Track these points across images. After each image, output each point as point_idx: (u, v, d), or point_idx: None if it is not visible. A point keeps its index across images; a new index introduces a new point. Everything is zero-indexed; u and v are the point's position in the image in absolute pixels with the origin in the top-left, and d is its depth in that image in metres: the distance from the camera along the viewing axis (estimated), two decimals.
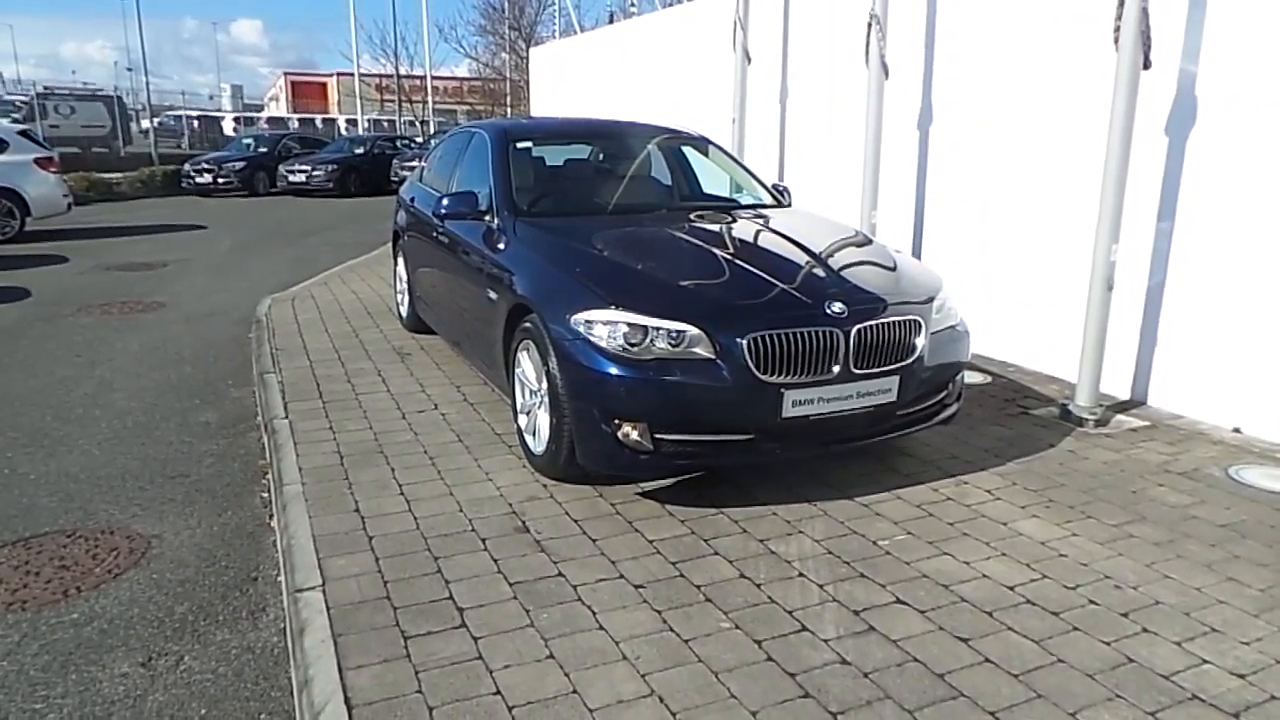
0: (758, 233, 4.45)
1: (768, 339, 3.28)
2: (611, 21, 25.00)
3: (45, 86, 29.17)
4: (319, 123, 43.21)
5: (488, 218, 4.55)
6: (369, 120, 38.59)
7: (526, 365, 3.85)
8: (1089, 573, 3.03)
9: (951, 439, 4.25)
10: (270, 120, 45.48)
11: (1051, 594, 2.88)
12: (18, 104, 28.86)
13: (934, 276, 4.07)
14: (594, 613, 2.74)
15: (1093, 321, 4.47)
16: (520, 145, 5.12)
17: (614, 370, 3.29)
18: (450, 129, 9.99)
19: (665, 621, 2.69)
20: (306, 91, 61.47)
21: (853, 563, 3.08)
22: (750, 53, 7.84)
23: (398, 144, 23.85)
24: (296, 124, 41.75)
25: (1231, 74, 4.34)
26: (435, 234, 5.31)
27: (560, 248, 4.07)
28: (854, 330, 3.39)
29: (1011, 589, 2.91)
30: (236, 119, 45.60)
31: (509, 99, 37.36)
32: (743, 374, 3.26)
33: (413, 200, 6.20)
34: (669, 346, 3.29)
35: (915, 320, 3.59)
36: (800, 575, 2.99)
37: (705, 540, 3.23)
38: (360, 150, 22.08)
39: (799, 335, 3.32)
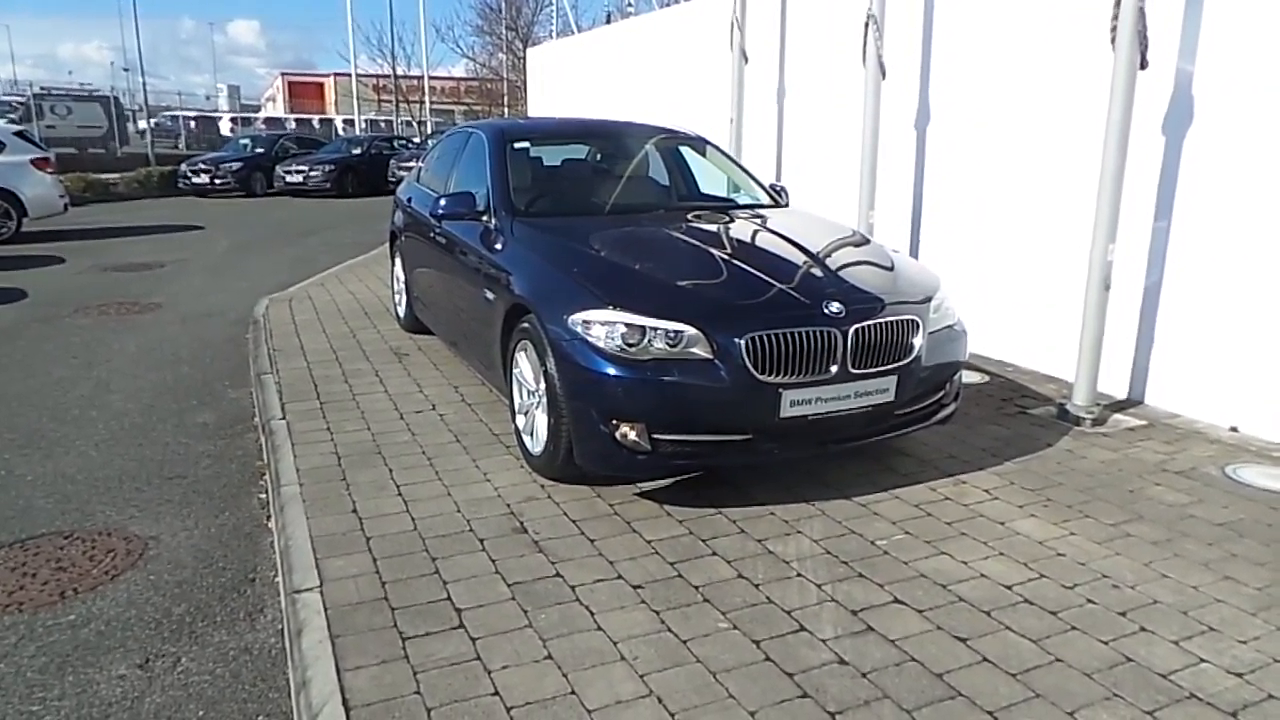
0: (755, 233, 4.45)
1: (766, 339, 3.28)
2: (609, 22, 25.01)
3: (42, 87, 29.13)
4: (316, 123, 43.16)
5: (485, 218, 4.54)
6: (366, 121, 38.55)
7: (524, 365, 3.85)
8: (1087, 572, 3.03)
9: (949, 439, 4.26)
10: (267, 121, 45.46)
11: (1049, 593, 2.88)
12: (14, 104, 28.79)
13: (931, 276, 4.07)
14: (592, 613, 2.74)
15: (1090, 321, 4.48)
16: (518, 145, 5.12)
17: (612, 370, 3.29)
18: (447, 129, 9.98)
19: (663, 622, 2.69)
20: (304, 92, 61.43)
21: (851, 562, 3.08)
22: (747, 53, 7.85)
23: (395, 144, 23.85)
24: (293, 124, 41.71)
25: (1229, 74, 4.34)
26: (433, 234, 5.31)
27: (558, 248, 4.06)
28: (852, 330, 3.39)
29: (1009, 588, 2.91)
30: (233, 119, 45.55)
31: (506, 99, 37.37)
32: (741, 374, 3.26)
33: (410, 201, 6.20)
34: (667, 347, 3.29)
35: (913, 320, 3.59)
36: (798, 575, 2.99)
37: (703, 540, 3.23)
38: (357, 151, 22.06)
39: (797, 335, 3.32)
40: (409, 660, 2.49)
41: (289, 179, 20.28)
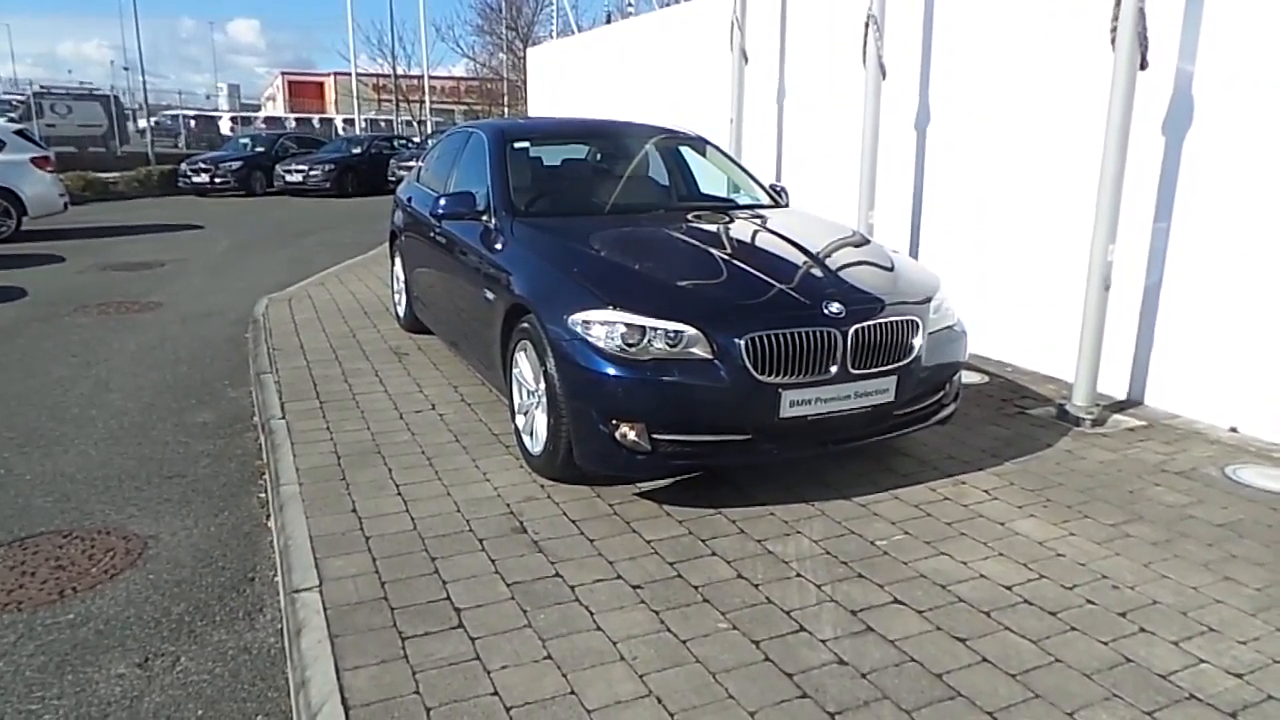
0: (755, 233, 4.45)
1: (765, 339, 3.28)
2: (609, 21, 25.01)
3: (42, 86, 29.14)
4: (316, 122, 43.19)
5: (485, 218, 4.54)
6: (366, 120, 38.56)
7: (524, 365, 3.85)
8: (1086, 572, 3.03)
9: (949, 439, 4.26)
10: (267, 120, 45.45)
11: (1049, 594, 2.88)
12: (14, 103, 28.80)
13: (931, 276, 4.07)
14: (592, 613, 2.74)
15: (1090, 321, 4.48)
16: (518, 145, 5.11)
17: (612, 370, 3.29)
18: (448, 129, 9.98)
19: (663, 622, 2.69)
20: (304, 91, 61.45)
21: (850, 563, 3.08)
22: (747, 53, 7.85)
23: (395, 144, 23.86)
24: (294, 124, 41.74)
25: (1228, 74, 4.34)
26: (433, 234, 5.31)
27: (558, 248, 4.06)
28: (851, 330, 3.39)
29: (1009, 589, 2.91)
30: (233, 119, 45.55)
31: (506, 99, 37.38)
32: (740, 374, 3.26)
33: (410, 200, 6.20)
34: (667, 347, 3.29)
35: (913, 320, 3.59)
36: (798, 575, 2.99)
37: (703, 540, 3.23)
38: (357, 150, 22.07)
39: (796, 335, 3.32)
40: (408, 660, 2.49)
41: (289, 178, 20.29)
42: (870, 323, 3.44)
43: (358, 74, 35.74)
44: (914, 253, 6.35)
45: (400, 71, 37.03)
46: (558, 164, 5.48)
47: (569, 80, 13.20)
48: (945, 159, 6.10)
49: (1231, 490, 3.74)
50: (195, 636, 2.86)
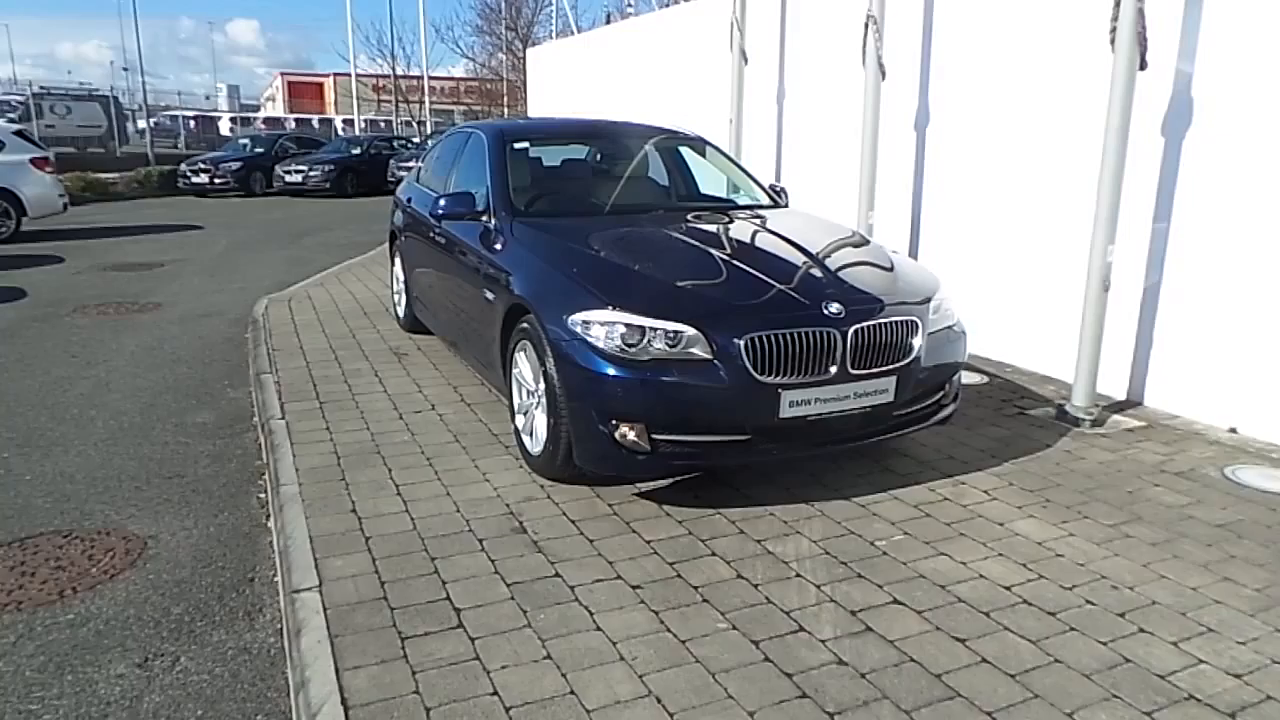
0: (755, 233, 4.45)
1: (765, 339, 3.29)
2: (608, 22, 25.01)
3: (41, 86, 29.13)
4: (316, 123, 43.17)
5: (485, 218, 4.54)
6: (366, 120, 38.56)
7: (524, 366, 3.85)
8: (1086, 573, 3.03)
9: (948, 439, 4.26)
10: (267, 120, 45.47)
11: (1048, 594, 2.89)
12: (13, 104, 28.78)
13: (931, 277, 4.08)
14: (591, 613, 2.74)
15: (1089, 322, 4.48)
16: (517, 146, 5.12)
17: (611, 371, 3.29)
18: (447, 129, 9.99)
19: (662, 622, 2.69)
20: (303, 92, 61.43)
21: (850, 563, 3.08)
22: (747, 53, 7.85)
23: (395, 144, 23.86)
24: (293, 124, 41.72)
25: (1228, 75, 4.35)
26: (432, 234, 5.31)
27: (557, 248, 4.06)
28: (851, 331, 3.39)
29: (1008, 589, 2.92)
30: (233, 119, 45.57)
31: (506, 99, 37.38)
32: (740, 374, 3.27)
33: (410, 201, 6.20)
34: (666, 347, 3.29)
35: (912, 321, 3.59)
36: (798, 576, 2.99)
37: (703, 541, 3.23)
38: (357, 151, 22.08)
39: (796, 336, 3.32)
40: (408, 660, 2.49)
41: (288, 179, 20.29)
42: (870, 323, 3.44)
43: (357, 74, 35.74)
44: (914, 253, 6.35)
45: (400, 72, 37.05)
46: (557, 164, 5.49)
47: (568, 81, 13.21)
48: (945, 159, 6.11)
49: (1231, 491, 3.75)
50: (195, 637, 2.86)
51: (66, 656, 2.75)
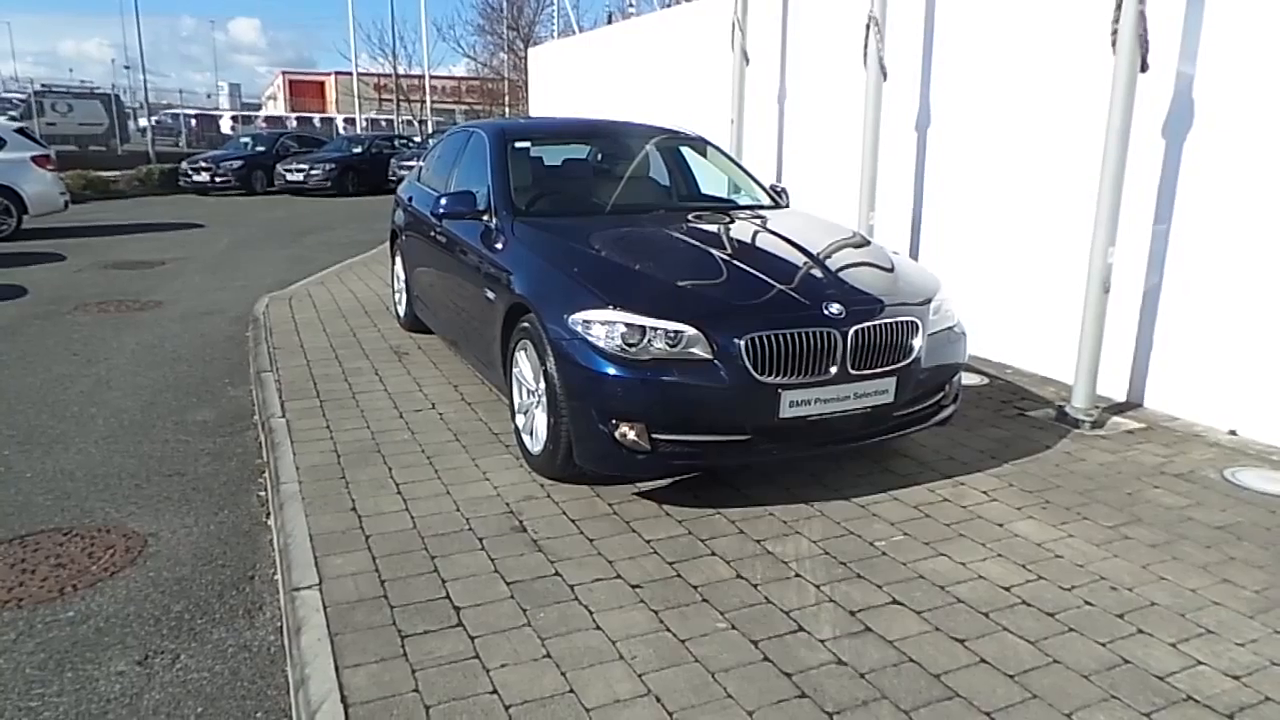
0: (755, 233, 4.45)
1: (765, 339, 3.29)
2: (610, 22, 25.03)
3: (43, 84, 29.21)
4: (317, 122, 43.19)
5: (486, 217, 4.55)
6: (367, 119, 38.57)
7: (524, 365, 3.85)
8: (1085, 574, 3.03)
9: (948, 440, 4.26)
10: (268, 119, 45.47)
11: (1047, 595, 2.89)
12: (15, 101, 28.81)
13: (932, 278, 4.08)
14: (591, 612, 2.74)
15: (1089, 323, 4.48)
16: (518, 145, 5.12)
17: (611, 370, 3.29)
18: (448, 128, 9.99)
19: (662, 621, 2.70)
20: (304, 90, 61.45)
21: (849, 563, 3.09)
22: (749, 53, 7.85)
23: (396, 143, 23.86)
24: (294, 123, 41.74)
25: (1228, 77, 4.35)
26: (433, 233, 5.31)
27: (558, 247, 4.07)
28: (851, 331, 3.39)
29: (1008, 590, 2.92)
30: (234, 118, 45.58)
31: (507, 99, 37.40)
32: (740, 374, 3.27)
33: (410, 200, 6.20)
34: (667, 347, 3.29)
35: (912, 321, 3.59)
36: (797, 576, 2.99)
37: (702, 540, 3.24)
38: (358, 149, 22.07)
39: (796, 336, 3.32)
40: (408, 658, 2.49)
41: (290, 177, 20.29)
42: (870, 324, 3.45)
43: (359, 73, 35.74)
44: (914, 254, 6.36)
45: (401, 71, 37.06)
46: (558, 164, 5.49)
47: (570, 80, 13.21)
48: (946, 160, 6.11)
49: (1230, 493, 3.75)
50: (195, 634, 2.86)
51: (67, 654, 2.75)
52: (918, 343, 3.59)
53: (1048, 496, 3.67)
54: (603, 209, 4.83)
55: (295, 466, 3.89)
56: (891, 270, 4.03)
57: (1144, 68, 4.21)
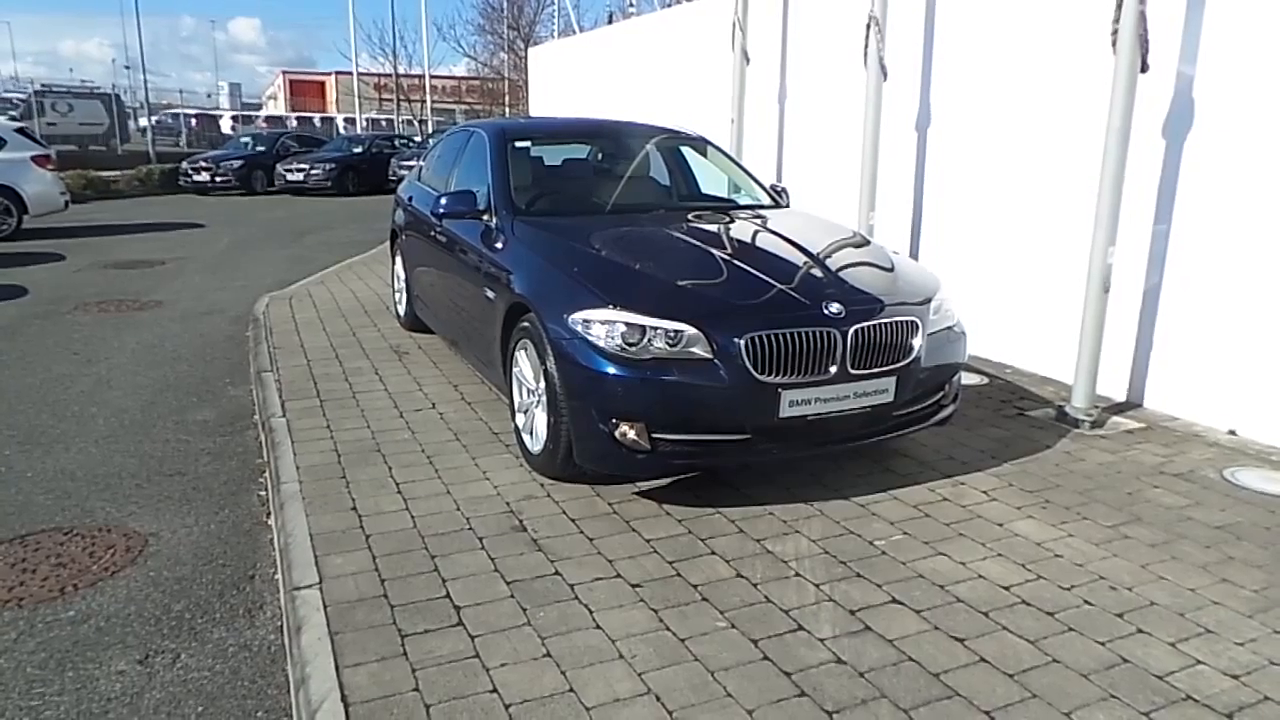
0: (756, 233, 4.45)
1: (765, 339, 3.29)
2: (610, 22, 25.03)
3: (43, 84, 29.24)
4: (317, 121, 43.20)
5: (486, 217, 4.55)
6: (367, 119, 38.57)
7: (524, 364, 3.86)
8: (1084, 573, 3.04)
9: (948, 440, 4.26)
10: (268, 119, 45.49)
11: (1047, 594, 2.89)
12: (15, 101, 28.83)
13: (932, 278, 4.08)
14: (591, 611, 2.75)
15: (1089, 323, 4.49)
16: (519, 144, 5.12)
17: (611, 370, 3.30)
18: (449, 128, 9.99)
19: (662, 620, 2.70)
20: (305, 90, 61.46)
21: (849, 563, 3.09)
22: (749, 53, 7.85)
23: (396, 143, 23.86)
24: (294, 123, 41.74)
25: (1229, 78, 4.35)
26: (433, 233, 5.32)
27: (558, 247, 4.07)
28: (851, 331, 3.39)
29: (1007, 589, 2.92)
30: (234, 117, 45.60)
31: (507, 98, 37.40)
32: (740, 374, 3.27)
33: (411, 199, 6.20)
34: (667, 346, 3.30)
35: (912, 321, 3.59)
36: (797, 575, 3.00)
37: (702, 540, 3.24)
38: (358, 149, 22.07)
39: (796, 335, 3.32)
40: (408, 657, 2.50)
41: (290, 177, 20.29)
42: (870, 323, 3.45)
43: (359, 73, 35.73)
44: (914, 253, 6.36)
45: (401, 71, 37.03)
46: (559, 163, 5.49)
47: (570, 80, 13.21)
48: (946, 160, 6.11)
49: (1230, 493, 3.75)
50: (195, 633, 2.86)
51: (67, 653, 2.75)
52: (917, 342, 3.60)
53: (1047, 496, 3.67)
54: (603, 208, 4.83)
55: (295, 466, 3.89)
56: (891, 270, 4.03)
57: (1144, 68, 4.21)
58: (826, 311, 3.41)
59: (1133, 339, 4.88)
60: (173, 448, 4.49)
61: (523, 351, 3.85)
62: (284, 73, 66.49)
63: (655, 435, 3.33)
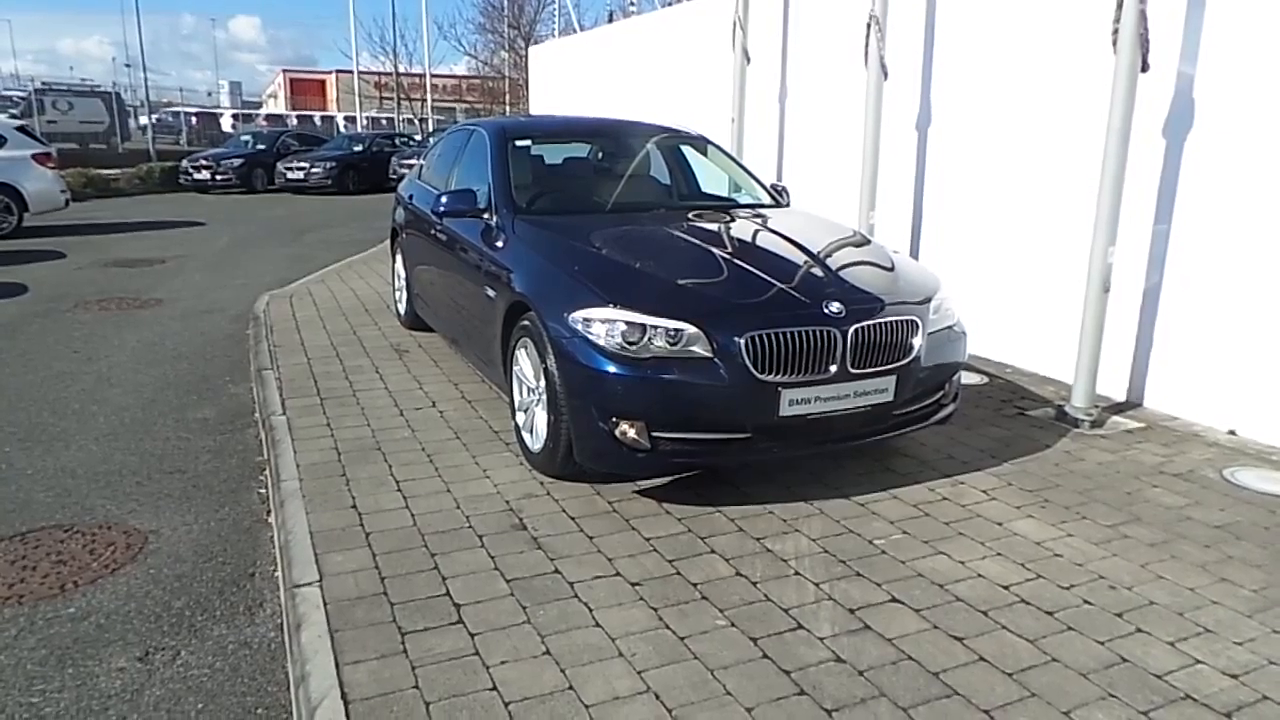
0: (756, 232, 4.45)
1: (765, 338, 3.29)
2: (611, 20, 25.01)
3: (43, 82, 29.22)
4: (318, 120, 43.18)
5: (486, 215, 4.55)
6: (368, 118, 38.56)
7: (524, 363, 3.86)
8: (1084, 573, 3.04)
9: (948, 439, 4.26)
10: (269, 117, 45.45)
11: (1046, 594, 2.89)
12: (15, 99, 28.82)
13: (932, 277, 4.08)
14: (590, 610, 2.75)
15: (1089, 323, 4.49)
16: (519, 143, 5.12)
17: (612, 368, 3.30)
18: (449, 127, 9.99)
19: (661, 619, 2.70)
20: (305, 89, 61.40)
21: (849, 561, 3.09)
22: (749, 53, 7.85)
23: (396, 142, 23.86)
24: (295, 121, 41.71)
25: (1229, 78, 4.35)
26: (434, 231, 5.32)
27: (559, 246, 4.07)
28: (851, 330, 3.40)
29: (1006, 588, 2.92)
30: (235, 116, 45.57)
31: (508, 97, 37.37)
32: (740, 373, 3.27)
33: (411, 198, 6.20)
34: (667, 345, 3.30)
35: (912, 320, 3.59)
36: (796, 574, 3.00)
37: (702, 538, 3.24)
38: (359, 148, 22.07)
39: (796, 334, 3.33)
40: (408, 655, 2.50)
41: (290, 176, 20.29)
42: (870, 322, 3.45)
43: (359, 72, 35.73)
44: (914, 253, 6.36)
45: (402, 69, 37.01)
46: (559, 162, 5.49)
47: (571, 79, 13.21)
48: (946, 160, 6.11)
49: (1229, 492, 3.75)
50: (196, 631, 2.87)
51: (68, 650, 2.76)
52: (918, 341, 3.60)
53: (1047, 495, 3.67)
54: (603, 207, 4.84)
55: (296, 464, 3.89)
56: (891, 269, 4.03)
57: (1144, 68, 4.21)
58: (827, 311, 3.41)
59: (1133, 339, 4.88)
60: (173, 445, 4.49)
61: (523, 350, 3.85)
62: (284, 71, 66.43)
63: (655, 434, 3.33)
